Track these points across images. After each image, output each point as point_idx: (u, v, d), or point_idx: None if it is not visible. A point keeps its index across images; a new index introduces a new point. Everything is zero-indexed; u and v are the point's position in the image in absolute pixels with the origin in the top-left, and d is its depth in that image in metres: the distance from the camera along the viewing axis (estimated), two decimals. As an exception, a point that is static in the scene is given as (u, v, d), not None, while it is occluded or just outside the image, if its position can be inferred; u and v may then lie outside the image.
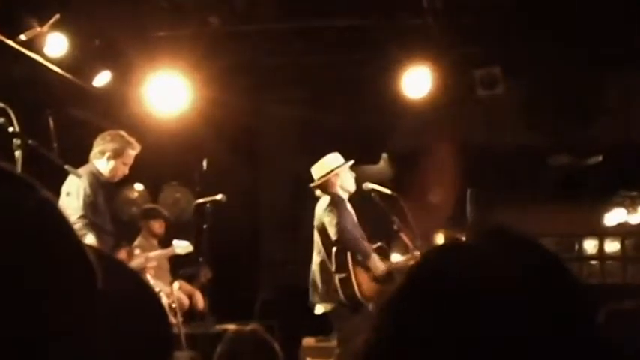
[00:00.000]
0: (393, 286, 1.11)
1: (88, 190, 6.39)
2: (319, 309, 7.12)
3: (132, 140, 6.75)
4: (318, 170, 7.22)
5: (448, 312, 1.02)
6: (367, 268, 7.00)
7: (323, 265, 7.09)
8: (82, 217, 6.25)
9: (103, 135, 6.77)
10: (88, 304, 0.87)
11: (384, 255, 7.23)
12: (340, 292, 6.92)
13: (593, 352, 1.04)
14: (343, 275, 6.94)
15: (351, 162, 7.30)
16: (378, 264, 7.02)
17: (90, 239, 5.99)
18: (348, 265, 6.94)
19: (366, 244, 7.07)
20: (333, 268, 6.98)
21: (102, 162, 6.66)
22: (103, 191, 6.61)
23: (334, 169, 7.17)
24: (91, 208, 6.38)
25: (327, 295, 7.03)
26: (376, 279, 7.00)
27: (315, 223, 7.19)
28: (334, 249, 6.99)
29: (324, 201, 7.14)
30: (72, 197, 6.34)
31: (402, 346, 1.04)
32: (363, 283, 6.95)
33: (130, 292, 1.09)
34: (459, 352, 1.00)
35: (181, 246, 7.80)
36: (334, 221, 6.94)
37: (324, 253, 7.09)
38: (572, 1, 7.96)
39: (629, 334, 2.41)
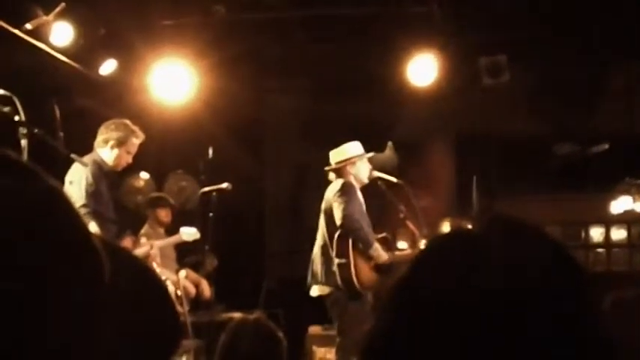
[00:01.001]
0: (396, 276, 1.10)
1: (90, 179, 6.38)
2: (315, 291, 7.12)
3: (135, 129, 6.74)
4: (336, 155, 7.25)
5: (451, 304, 1.02)
6: (368, 258, 6.99)
7: (325, 248, 7.09)
8: (83, 205, 6.25)
9: (106, 123, 6.76)
10: (96, 296, 0.86)
11: (388, 246, 7.22)
12: (338, 277, 6.93)
13: (597, 344, 1.04)
14: (343, 261, 6.94)
15: (371, 154, 7.32)
16: (380, 253, 7.02)
17: (91, 228, 5.96)
18: (348, 252, 6.94)
19: (369, 233, 7.07)
20: (333, 253, 6.98)
21: (105, 150, 6.65)
22: (107, 180, 6.60)
23: (352, 158, 7.20)
24: (92, 196, 6.37)
25: (326, 279, 7.03)
26: (376, 269, 7.00)
27: (323, 205, 7.19)
28: (336, 234, 7.00)
29: (335, 185, 7.14)
30: (74, 186, 6.34)
31: (405, 339, 1.03)
32: (361, 271, 6.94)
33: (136, 281, 1.09)
34: (461, 345, 1.00)
35: (189, 233, 7.75)
36: (342, 206, 6.94)
37: (326, 236, 7.09)
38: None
39: (634, 323, 2.41)
